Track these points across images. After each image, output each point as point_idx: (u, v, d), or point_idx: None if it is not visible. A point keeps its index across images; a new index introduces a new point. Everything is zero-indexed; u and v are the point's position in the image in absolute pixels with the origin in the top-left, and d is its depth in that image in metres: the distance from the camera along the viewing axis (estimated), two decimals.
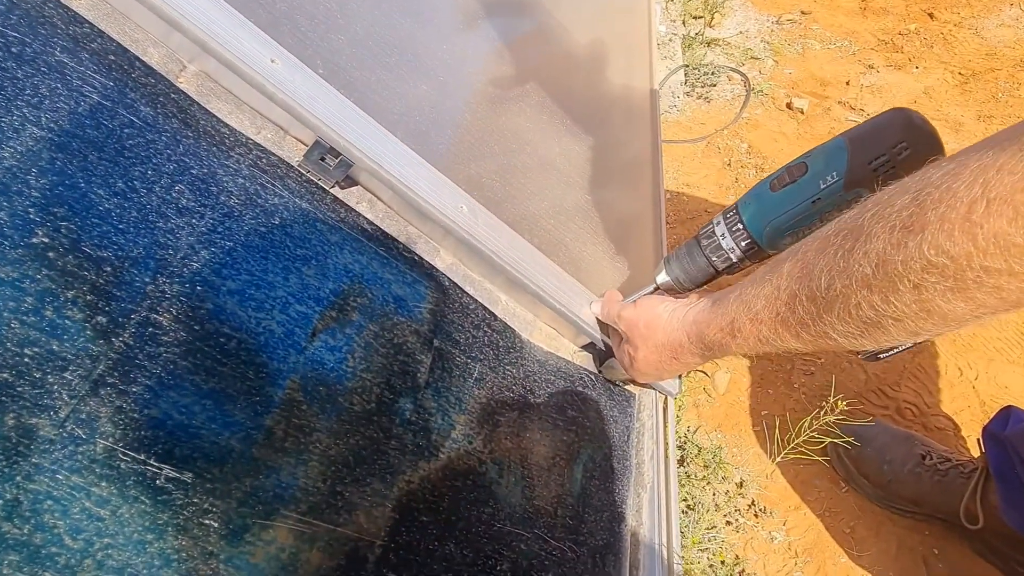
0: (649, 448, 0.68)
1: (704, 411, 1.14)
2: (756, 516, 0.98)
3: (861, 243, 0.40)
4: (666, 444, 0.68)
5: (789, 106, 1.88)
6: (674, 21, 2.14)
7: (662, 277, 0.66)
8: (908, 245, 0.37)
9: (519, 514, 0.54)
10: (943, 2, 2.30)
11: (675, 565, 0.60)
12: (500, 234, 0.61)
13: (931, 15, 2.23)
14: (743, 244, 0.60)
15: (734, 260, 0.61)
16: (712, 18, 2.23)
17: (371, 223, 0.58)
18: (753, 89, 1.94)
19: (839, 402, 0.95)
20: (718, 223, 0.62)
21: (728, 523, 0.97)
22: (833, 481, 1.01)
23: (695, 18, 2.26)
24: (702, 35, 2.12)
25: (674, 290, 0.66)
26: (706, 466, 1.02)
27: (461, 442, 0.54)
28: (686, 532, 0.94)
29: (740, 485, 1.01)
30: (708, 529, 0.95)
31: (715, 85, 1.98)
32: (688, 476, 1.01)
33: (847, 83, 1.96)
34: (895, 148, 0.51)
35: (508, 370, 0.62)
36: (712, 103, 1.93)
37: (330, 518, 0.43)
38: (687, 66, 1.93)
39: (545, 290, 0.62)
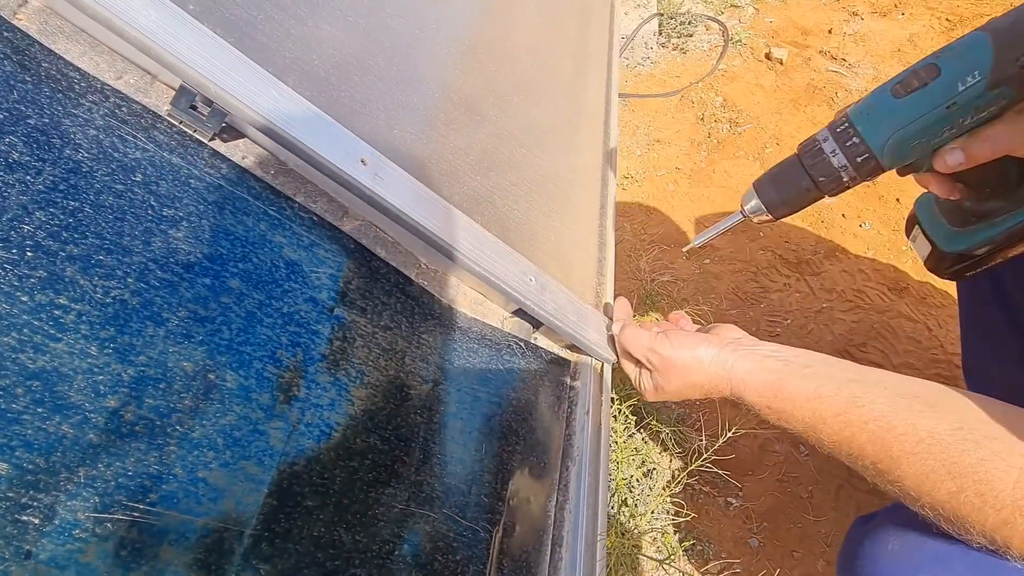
0: (580, 419, 0.64)
1: None
2: (712, 482, 0.95)
3: (958, 479, 0.45)
4: (600, 414, 0.64)
5: (768, 56, 1.80)
6: None
7: (753, 204, 0.61)
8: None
9: (426, 494, 0.50)
10: None
11: (599, 540, 0.56)
12: (409, 189, 0.55)
13: None
14: (859, 160, 0.54)
15: (845, 179, 0.55)
16: None
17: (260, 180, 0.52)
18: (732, 39, 1.86)
19: None
20: (825, 139, 0.56)
21: (684, 489, 0.94)
22: (792, 446, 0.98)
23: None
24: None
25: (762, 217, 0.61)
26: (661, 431, 0.99)
27: (361, 419, 0.49)
28: (640, 500, 0.91)
29: (698, 452, 0.98)
30: (661, 496, 0.92)
31: (691, 35, 1.89)
32: (645, 442, 0.98)
33: (829, 31, 1.88)
34: None
35: (424, 339, 0.57)
36: (688, 54, 1.85)
37: (187, 507, 0.38)
38: (662, 15, 1.84)
39: (464, 252, 0.57)
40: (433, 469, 0.52)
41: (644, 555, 0.82)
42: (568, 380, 0.67)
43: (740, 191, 1.44)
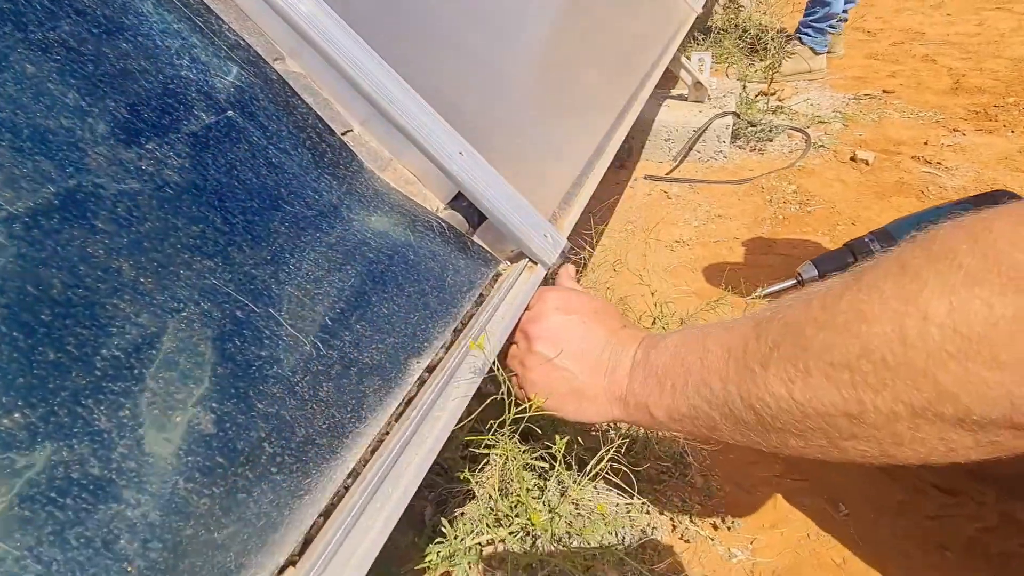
0: (490, 306, 0.54)
1: None
2: (715, 527, 0.74)
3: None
4: (512, 311, 0.54)
5: (853, 159, 1.72)
6: (731, 89, 2.08)
7: (809, 274, 0.94)
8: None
9: (255, 287, 0.43)
10: None
11: (451, 417, 0.44)
12: (340, 30, 0.55)
13: None
14: None
15: None
16: (772, 84, 2.16)
17: None
18: (814, 144, 1.80)
19: None
20: (871, 240, 0.87)
21: (674, 528, 0.74)
22: (829, 503, 0.76)
23: (764, 95, 2.18)
24: (766, 102, 2.05)
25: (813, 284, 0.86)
26: (661, 460, 0.81)
27: (208, 196, 0.45)
28: (614, 527, 0.73)
29: (706, 494, 0.79)
30: (645, 531, 0.73)
31: (771, 140, 1.87)
32: (639, 476, 0.80)
33: (925, 143, 1.78)
34: None
35: (325, 178, 0.53)
36: (765, 155, 1.81)
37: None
38: (738, 116, 1.84)
39: (380, 93, 0.54)
40: (276, 274, 0.45)
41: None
42: (489, 272, 0.57)
43: (803, 261, 1.30)
